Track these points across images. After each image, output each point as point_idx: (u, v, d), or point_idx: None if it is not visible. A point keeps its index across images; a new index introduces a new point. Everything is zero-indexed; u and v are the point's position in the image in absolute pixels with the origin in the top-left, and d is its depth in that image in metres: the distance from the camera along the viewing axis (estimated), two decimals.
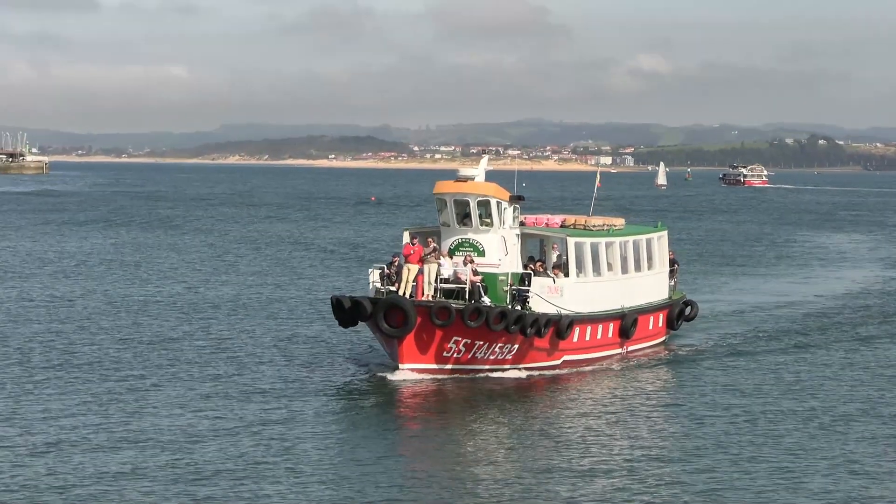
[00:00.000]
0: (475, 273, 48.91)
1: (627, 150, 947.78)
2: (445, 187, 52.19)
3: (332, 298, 49.94)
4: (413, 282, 48.28)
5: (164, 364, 51.86)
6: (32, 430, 39.56)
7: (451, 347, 47.85)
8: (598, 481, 34.76)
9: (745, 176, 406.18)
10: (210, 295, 77.01)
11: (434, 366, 47.85)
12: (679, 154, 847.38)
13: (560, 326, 50.09)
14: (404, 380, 47.00)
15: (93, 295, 75.42)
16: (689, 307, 61.25)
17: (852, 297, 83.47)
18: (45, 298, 73.20)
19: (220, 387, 47.75)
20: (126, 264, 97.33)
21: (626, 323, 54.50)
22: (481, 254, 50.63)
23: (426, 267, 48.60)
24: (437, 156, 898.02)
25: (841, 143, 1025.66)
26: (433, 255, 49.41)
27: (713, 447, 38.86)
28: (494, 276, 49.99)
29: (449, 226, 51.68)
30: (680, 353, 57.31)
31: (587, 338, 52.75)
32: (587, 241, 53.72)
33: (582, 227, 55.78)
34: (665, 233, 61.60)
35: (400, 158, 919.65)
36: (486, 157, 54.56)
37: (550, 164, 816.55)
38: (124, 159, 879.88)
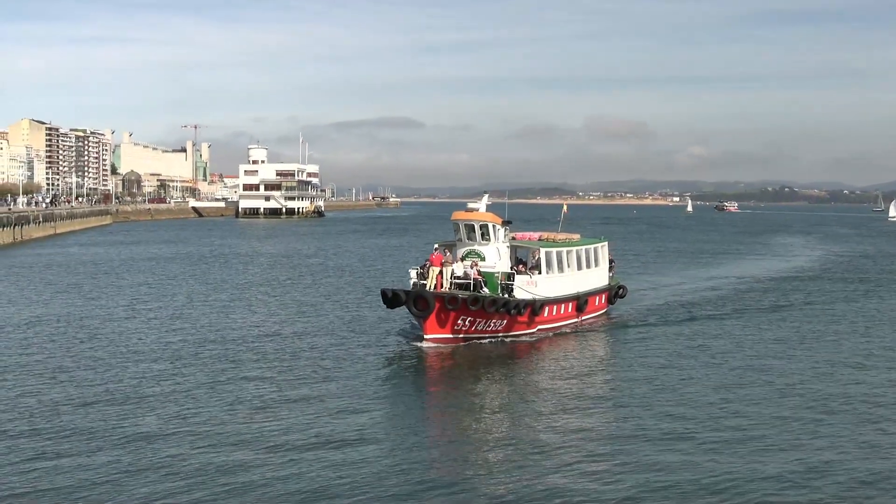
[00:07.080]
0: (478, 273, 36.20)
1: (687, 194, 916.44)
2: (459, 216, 39.13)
3: (381, 290, 37.23)
4: (434, 279, 35.53)
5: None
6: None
7: (460, 323, 35.06)
8: (562, 403, 26.39)
9: (726, 206, 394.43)
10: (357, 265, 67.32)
11: (449, 336, 35.05)
12: (712, 196, 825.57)
13: (535, 307, 37.29)
14: (429, 346, 34.69)
15: (360, 266, 75.41)
16: (621, 289, 46.77)
17: (770, 279, 64.44)
18: (351, 266, 74.25)
19: (311, 327, 40.35)
20: (380, 250, 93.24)
21: (581, 302, 41.22)
22: (483, 259, 37.73)
23: (445, 269, 35.84)
24: (591, 197, 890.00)
25: (797, 189, 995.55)
26: (449, 260, 36.67)
27: (639, 377, 30.02)
28: (491, 274, 37.08)
29: (461, 240, 38.88)
30: (615, 319, 43.65)
31: (554, 313, 39.38)
32: (554, 250, 40.36)
33: (552, 240, 42.41)
34: (606, 243, 46.85)
35: (573, 198, 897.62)
36: (486, 196, 40.82)
37: (648, 201, 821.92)
38: (434, 200, 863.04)
